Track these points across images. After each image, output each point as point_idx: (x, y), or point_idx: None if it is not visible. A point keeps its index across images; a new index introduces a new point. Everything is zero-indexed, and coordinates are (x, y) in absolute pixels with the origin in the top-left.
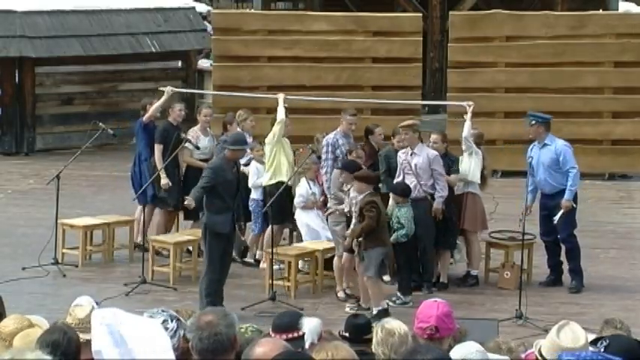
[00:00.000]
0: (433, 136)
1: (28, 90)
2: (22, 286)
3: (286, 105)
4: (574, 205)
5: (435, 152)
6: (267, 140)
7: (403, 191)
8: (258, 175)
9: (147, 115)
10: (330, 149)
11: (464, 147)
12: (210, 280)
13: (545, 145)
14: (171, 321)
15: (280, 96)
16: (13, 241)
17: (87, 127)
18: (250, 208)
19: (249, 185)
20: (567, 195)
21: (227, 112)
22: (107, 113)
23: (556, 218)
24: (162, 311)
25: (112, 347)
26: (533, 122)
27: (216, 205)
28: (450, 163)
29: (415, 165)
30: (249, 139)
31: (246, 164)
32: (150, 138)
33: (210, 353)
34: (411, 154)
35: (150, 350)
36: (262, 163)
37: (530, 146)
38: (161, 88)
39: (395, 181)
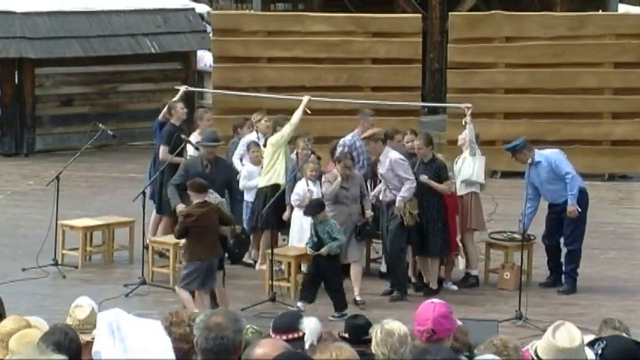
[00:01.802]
0: (416, 142)
1: (27, 91)
2: (22, 287)
3: (308, 111)
4: (579, 210)
5: (397, 156)
6: (272, 140)
7: (316, 207)
8: (249, 178)
9: (162, 114)
10: (345, 150)
11: (468, 150)
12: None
13: (537, 163)
14: None
15: (305, 98)
16: (13, 242)
17: (86, 128)
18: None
19: (240, 187)
20: (570, 200)
21: (227, 112)
22: (107, 114)
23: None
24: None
25: (112, 347)
26: (513, 154)
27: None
28: (438, 170)
29: (381, 174)
30: (261, 141)
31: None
32: None
33: (214, 354)
34: (377, 162)
35: (150, 350)
36: (258, 164)
37: (526, 169)
38: (176, 87)
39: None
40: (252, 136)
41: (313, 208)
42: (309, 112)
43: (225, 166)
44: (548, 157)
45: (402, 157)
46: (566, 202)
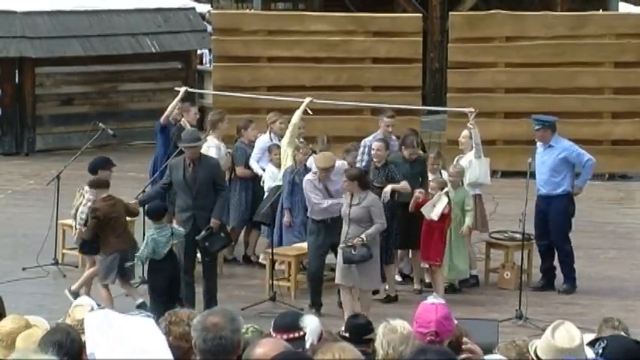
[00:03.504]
0: (376, 144)
1: (28, 90)
2: (22, 286)
3: (309, 112)
4: (584, 189)
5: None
6: (282, 142)
7: (155, 212)
8: (274, 179)
9: (163, 116)
10: (366, 151)
11: (473, 152)
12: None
13: (550, 146)
14: None
15: (307, 99)
16: (13, 242)
17: (87, 128)
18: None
19: (266, 190)
20: (580, 182)
21: (227, 112)
22: (107, 114)
23: None
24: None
25: (105, 349)
26: (538, 127)
27: (174, 204)
28: (390, 173)
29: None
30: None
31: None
32: (167, 139)
33: (213, 355)
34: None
35: (145, 349)
36: (280, 166)
37: (537, 146)
38: (177, 88)
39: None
40: (264, 139)
41: (149, 212)
42: (311, 112)
43: (209, 164)
44: (566, 147)
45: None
46: (551, 198)
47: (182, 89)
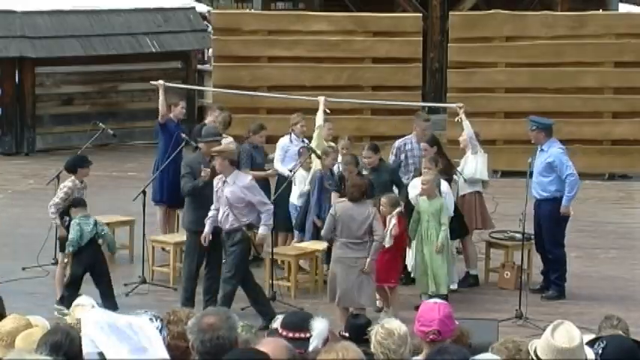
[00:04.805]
0: (347, 166)
1: (28, 90)
2: (22, 286)
3: (327, 110)
4: (571, 212)
5: (250, 181)
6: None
7: (80, 202)
8: (303, 183)
9: (160, 116)
10: (395, 152)
11: (469, 148)
12: (186, 277)
13: (542, 150)
14: (155, 320)
15: (321, 99)
16: (13, 241)
17: (87, 128)
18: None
19: (299, 194)
20: (565, 201)
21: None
22: (107, 113)
23: None
24: (145, 311)
25: (102, 348)
26: (534, 128)
27: (192, 202)
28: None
29: (227, 197)
30: (297, 142)
31: (291, 170)
32: (168, 137)
33: (212, 355)
34: (224, 183)
35: (141, 349)
36: (309, 170)
37: (536, 153)
38: (152, 83)
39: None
40: (285, 140)
41: (77, 202)
42: (329, 111)
43: None
44: (553, 152)
45: (254, 182)
46: (542, 202)
47: (159, 83)
